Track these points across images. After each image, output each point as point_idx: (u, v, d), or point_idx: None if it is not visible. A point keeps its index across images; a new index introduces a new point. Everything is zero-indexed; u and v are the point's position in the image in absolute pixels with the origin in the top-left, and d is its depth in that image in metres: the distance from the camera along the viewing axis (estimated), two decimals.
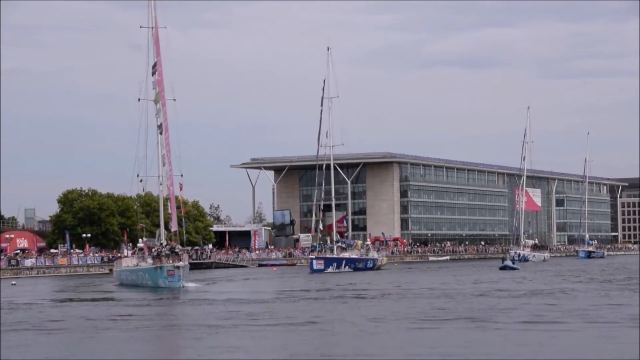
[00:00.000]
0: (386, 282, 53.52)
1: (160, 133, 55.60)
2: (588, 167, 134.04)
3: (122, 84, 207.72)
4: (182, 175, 57.71)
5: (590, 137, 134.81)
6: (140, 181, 57.15)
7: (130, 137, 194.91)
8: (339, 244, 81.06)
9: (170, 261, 52.27)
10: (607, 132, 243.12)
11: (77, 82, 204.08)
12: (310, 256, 77.74)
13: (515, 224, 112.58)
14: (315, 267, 71.83)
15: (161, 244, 55.95)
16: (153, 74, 55.53)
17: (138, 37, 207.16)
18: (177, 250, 54.58)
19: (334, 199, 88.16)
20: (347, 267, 74.09)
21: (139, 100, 55.90)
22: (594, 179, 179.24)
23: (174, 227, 56.86)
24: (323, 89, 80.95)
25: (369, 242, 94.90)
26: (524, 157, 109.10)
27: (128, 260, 59.88)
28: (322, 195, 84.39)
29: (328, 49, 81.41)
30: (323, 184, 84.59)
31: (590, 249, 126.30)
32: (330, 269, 71.95)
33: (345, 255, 77.18)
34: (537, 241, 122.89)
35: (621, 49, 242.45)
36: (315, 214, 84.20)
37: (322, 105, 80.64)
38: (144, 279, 53.56)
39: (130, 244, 79.40)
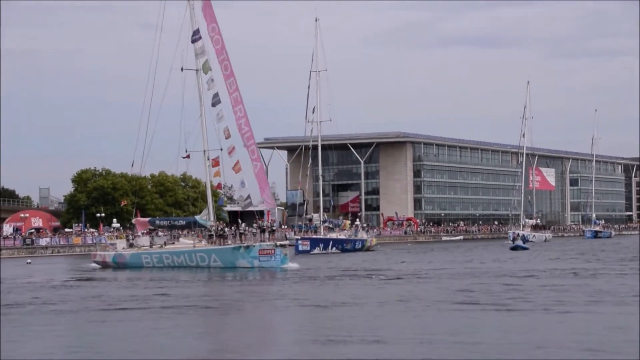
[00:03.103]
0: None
1: (213, 105, 51.88)
2: (596, 145, 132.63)
3: (134, 63, 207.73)
4: (221, 150, 53.08)
5: (603, 116, 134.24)
6: (188, 156, 52.70)
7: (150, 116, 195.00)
8: (326, 224, 77.29)
9: (240, 240, 49.57)
10: (622, 111, 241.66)
11: (89, 61, 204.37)
12: (296, 237, 73.81)
13: (514, 203, 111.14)
14: (300, 248, 68.09)
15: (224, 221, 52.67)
16: (194, 41, 52.15)
17: (150, 16, 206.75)
18: (274, 228, 51.63)
19: (321, 178, 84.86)
20: (334, 248, 70.70)
21: (182, 69, 51.87)
22: (609, 158, 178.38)
23: (269, 204, 53.36)
24: (312, 62, 75.85)
25: (357, 222, 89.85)
26: (524, 134, 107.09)
27: (123, 243, 54.04)
28: (309, 173, 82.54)
29: (316, 20, 76.36)
30: (310, 163, 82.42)
31: (597, 228, 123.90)
32: (316, 250, 68.43)
33: (333, 235, 73.51)
34: (538, 221, 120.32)
35: (634, 28, 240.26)
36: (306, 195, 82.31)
37: (310, 79, 75.40)
38: (204, 260, 49.20)
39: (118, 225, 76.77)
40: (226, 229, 53.82)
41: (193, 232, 60.28)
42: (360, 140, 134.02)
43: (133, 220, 58.22)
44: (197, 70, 52.64)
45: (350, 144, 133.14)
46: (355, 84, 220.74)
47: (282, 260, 47.88)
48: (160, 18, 52.21)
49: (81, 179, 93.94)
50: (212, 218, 52.90)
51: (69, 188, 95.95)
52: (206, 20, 52.08)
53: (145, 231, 57.64)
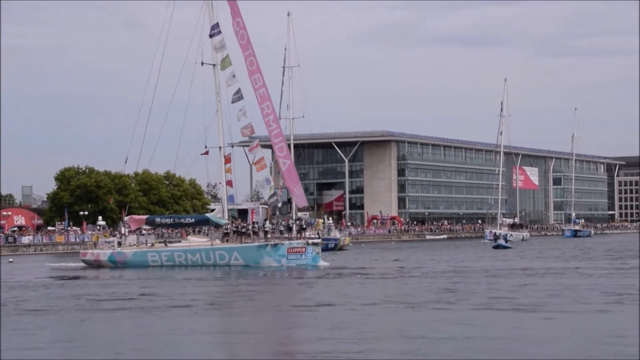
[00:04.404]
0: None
1: (235, 101, 49.86)
2: (576, 143, 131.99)
3: (121, 60, 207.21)
4: (233, 146, 52.56)
5: (588, 115, 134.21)
6: (206, 153, 50.59)
7: (135, 114, 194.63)
8: (298, 222, 77.38)
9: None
10: (605, 111, 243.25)
11: (73, 59, 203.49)
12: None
13: (491, 201, 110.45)
14: None
15: (260, 223, 49.99)
16: (212, 36, 50.44)
17: (136, 14, 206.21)
18: (304, 226, 49.02)
19: (298, 175, 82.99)
20: None
21: (202, 64, 50.31)
22: (591, 157, 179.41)
23: (301, 202, 51.18)
24: (284, 58, 73.56)
25: (330, 221, 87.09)
26: (501, 132, 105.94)
27: (130, 239, 51.09)
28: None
29: (289, 15, 74.03)
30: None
31: (577, 227, 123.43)
32: None
33: (305, 235, 73.06)
34: (516, 220, 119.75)
35: (620, 27, 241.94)
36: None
37: (283, 75, 73.32)
38: (223, 258, 47.08)
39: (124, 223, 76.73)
40: (249, 227, 51.62)
41: (182, 231, 58.70)
42: (345, 139, 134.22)
43: (126, 218, 54.80)
44: (214, 65, 51.04)
45: (334, 142, 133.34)
46: (339, 83, 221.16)
47: (314, 259, 46.51)
48: (170, 12, 50.35)
49: (64, 177, 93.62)
50: (226, 217, 50.95)
51: (52, 186, 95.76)
52: (231, 14, 50.17)
53: (129, 230, 56.48)
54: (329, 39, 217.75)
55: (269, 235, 49.66)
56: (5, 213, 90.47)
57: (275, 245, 47.17)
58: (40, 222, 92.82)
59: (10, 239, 75.79)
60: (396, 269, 44.35)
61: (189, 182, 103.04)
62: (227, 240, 49.16)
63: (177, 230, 64.14)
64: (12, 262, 58.70)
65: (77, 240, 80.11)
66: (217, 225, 51.33)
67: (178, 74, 50.51)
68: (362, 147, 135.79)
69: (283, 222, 51.21)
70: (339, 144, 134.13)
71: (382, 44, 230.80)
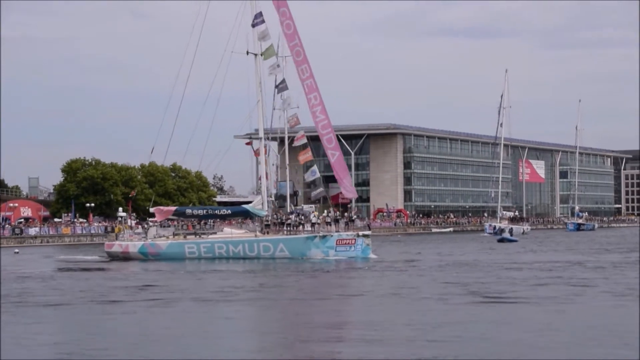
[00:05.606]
0: None
1: (279, 91, 50.17)
2: (580, 136, 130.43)
3: (127, 52, 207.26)
4: (261, 138, 51.76)
5: (594, 108, 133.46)
6: (249, 143, 50.70)
7: (141, 106, 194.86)
8: (298, 215, 76.03)
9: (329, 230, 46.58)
10: (613, 103, 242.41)
11: (82, 50, 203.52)
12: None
13: (491, 194, 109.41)
14: None
15: (299, 212, 49.89)
16: (254, 25, 49.83)
17: (142, 5, 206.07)
18: (353, 217, 48.61)
19: (287, 168, 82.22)
20: None
21: (247, 53, 50.02)
22: (598, 150, 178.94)
23: (350, 194, 50.65)
24: (278, 47, 74.98)
25: (325, 213, 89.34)
26: (502, 124, 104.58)
27: (155, 231, 49.77)
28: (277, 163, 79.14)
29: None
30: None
31: (580, 221, 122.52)
32: None
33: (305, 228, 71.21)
34: (516, 213, 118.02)
35: (626, 19, 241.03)
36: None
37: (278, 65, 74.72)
38: (267, 250, 46.29)
39: (134, 214, 77.54)
40: (294, 218, 50.55)
41: (188, 222, 58.30)
42: (351, 132, 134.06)
43: (152, 209, 53.31)
44: (256, 54, 50.49)
45: (340, 135, 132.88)
46: (346, 74, 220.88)
47: (363, 251, 46.09)
48: (204, 8, 50.85)
49: (71, 169, 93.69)
50: (266, 208, 50.34)
51: (58, 178, 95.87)
52: (276, 6, 49.61)
53: (136, 222, 56.36)
54: (332, 31, 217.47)
55: (315, 227, 48.88)
56: (11, 204, 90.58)
57: (324, 236, 46.47)
58: (46, 213, 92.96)
59: (17, 231, 75.96)
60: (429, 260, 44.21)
61: (195, 174, 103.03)
62: (267, 232, 48.35)
63: (183, 222, 64.04)
64: (17, 252, 58.88)
65: (84, 232, 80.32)
66: (257, 217, 50.32)
67: (206, 66, 50.40)
68: (368, 140, 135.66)
69: (330, 214, 50.64)
70: (345, 137, 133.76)
71: (386, 36, 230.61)
